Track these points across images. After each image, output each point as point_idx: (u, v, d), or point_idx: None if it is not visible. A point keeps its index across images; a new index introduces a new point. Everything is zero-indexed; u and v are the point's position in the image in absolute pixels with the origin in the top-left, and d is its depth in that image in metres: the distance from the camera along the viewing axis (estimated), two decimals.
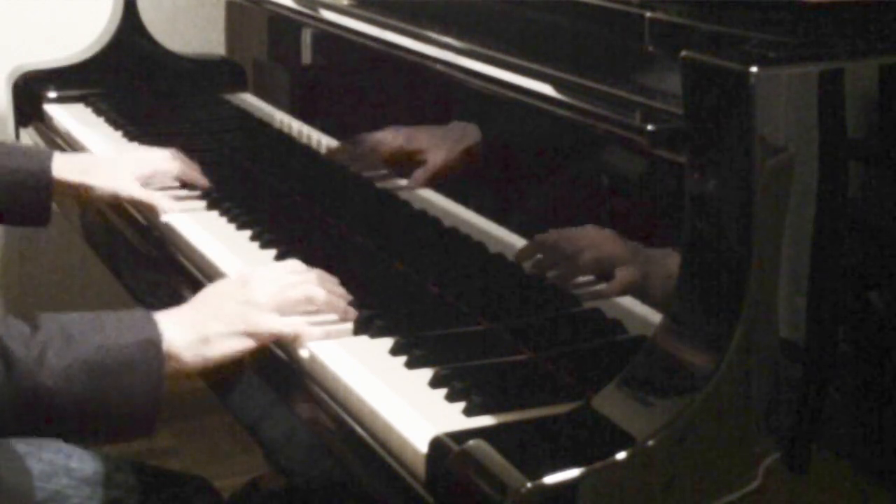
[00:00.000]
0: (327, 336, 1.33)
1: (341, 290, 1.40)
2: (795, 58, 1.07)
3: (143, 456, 2.24)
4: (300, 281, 1.37)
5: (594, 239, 1.26)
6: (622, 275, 1.22)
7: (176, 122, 2.21)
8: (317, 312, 1.36)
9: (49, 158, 1.75)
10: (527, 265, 1.34)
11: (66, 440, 1.30)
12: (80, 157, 1.87)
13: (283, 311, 1.33)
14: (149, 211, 1.76)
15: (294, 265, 1.42)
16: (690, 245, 1.07)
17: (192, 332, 1.28)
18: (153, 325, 1.26)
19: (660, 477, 1.03)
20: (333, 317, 1.37)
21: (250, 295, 1.33)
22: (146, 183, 1.78)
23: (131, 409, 1.24)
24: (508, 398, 1.18)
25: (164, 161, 1.82)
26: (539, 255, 1.33)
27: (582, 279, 1.26)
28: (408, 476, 1.11)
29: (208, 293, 1.37)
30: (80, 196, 1.79)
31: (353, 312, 1.37)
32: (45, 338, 1.22)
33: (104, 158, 1.86)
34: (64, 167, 1.75)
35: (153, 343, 1.24)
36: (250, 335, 1.31)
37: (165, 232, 1.70)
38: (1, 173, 1.71)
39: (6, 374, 1.20)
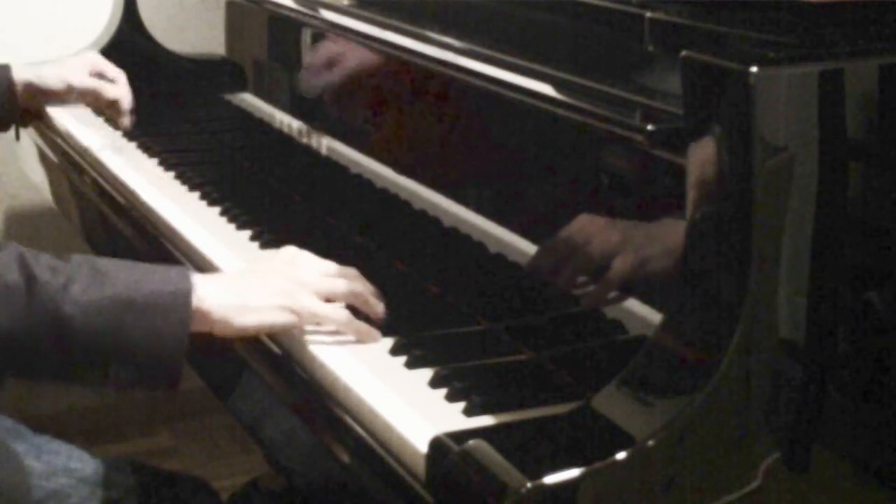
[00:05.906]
0: (359, 333, 1.31)
1: (372, 289, 1.38)
2: (795, 58, 1.07)
3: (142, 456, 2.24)
4: (343, 273, 1.36)
5: (590, 230, 1.25)
6: (620, 264, 1.21)
7: (176, 122, 2.21)
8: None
9: (8, 68, 1.93)
10: (541, 276, 1.31)
11: (82, 381, 1.28)
12: (35, 62, 2.00)
13: (327, 296, 1.32)
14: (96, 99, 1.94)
15: (332, 265, 1.39)
16: (690, 245, 1.07)
17: (229, 296, 1.27)
18: (186, 279, 1.25)
19: (660, 477, 1.03)
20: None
21: (298, 273, 1.32)
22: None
23: (152, 354, 1.22)
24: (508, 398, 1.18)
25: (114, 70, 1.97)
26: (549, 262, 1.30)
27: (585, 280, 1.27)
28: (408, 476, 1.11)
29: (254, 266, 1.37)
30: (37, 93, 1.95)
31: (382, 311, 1.36)
32: (73, 269, 1.22)
33: (56, 59, 2.01)
34: (21, 70, 1.93)
35: (182, 294, 1.23)
36: (293, 312, 1.29)
37: (165, 232, 1.70)
38: None
39: (27, 298, 1.19)
